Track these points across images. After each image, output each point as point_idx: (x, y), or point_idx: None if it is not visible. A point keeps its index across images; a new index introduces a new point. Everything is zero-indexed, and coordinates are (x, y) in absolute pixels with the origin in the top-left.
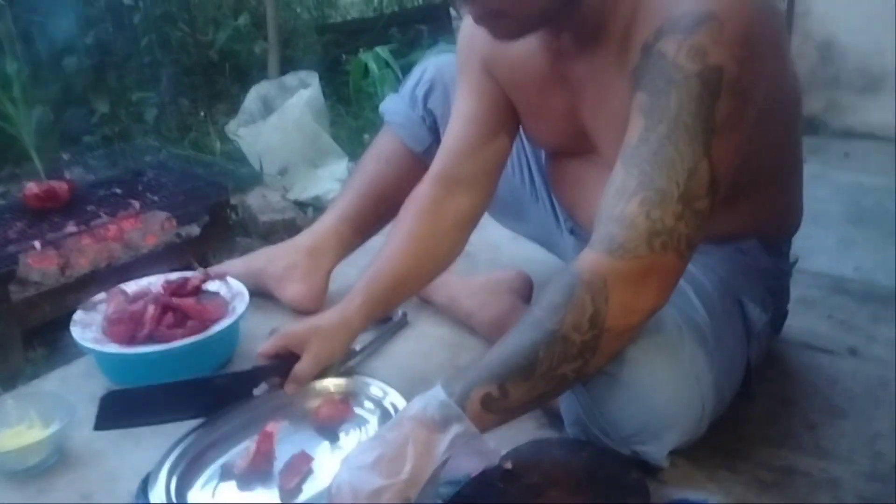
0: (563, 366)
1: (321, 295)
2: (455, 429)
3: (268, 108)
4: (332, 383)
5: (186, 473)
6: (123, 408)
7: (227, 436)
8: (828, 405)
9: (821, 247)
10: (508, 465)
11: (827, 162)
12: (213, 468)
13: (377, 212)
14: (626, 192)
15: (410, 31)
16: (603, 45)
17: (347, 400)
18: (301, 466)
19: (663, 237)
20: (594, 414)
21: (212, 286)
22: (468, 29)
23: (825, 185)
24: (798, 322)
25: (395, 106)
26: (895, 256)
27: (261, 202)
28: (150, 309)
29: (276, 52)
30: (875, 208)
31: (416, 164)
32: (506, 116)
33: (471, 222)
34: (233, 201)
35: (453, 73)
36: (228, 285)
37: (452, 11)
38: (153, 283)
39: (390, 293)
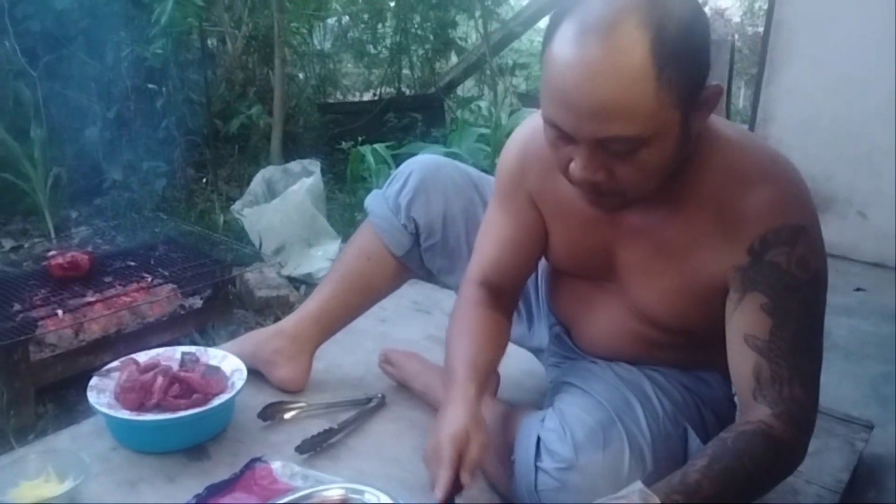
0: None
1: (305, 376)
2: None
3: (271, 191)
4: (328, 494)
5: None
6: None
7: None
8: None
9: None
10: None
11: None
12: None
13: (357, 304)
14: (784, 379)
15: (406, 117)
16: (673, 205)
17: None
18: None
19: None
20: None
21: (213, 361)
22: (518, 163)
23: None
24: None
25: (379, 208)
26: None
27: (258, 278)
28: (160, 380)
29: (279, 127)
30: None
31: (397, 263)
32: (541, 244)
33: (508, 326)
34: (233, 276)
35: (436, 180)
36: (228, 360)
37: (446, 103)
38: (161, 353)
39: (485, 378)
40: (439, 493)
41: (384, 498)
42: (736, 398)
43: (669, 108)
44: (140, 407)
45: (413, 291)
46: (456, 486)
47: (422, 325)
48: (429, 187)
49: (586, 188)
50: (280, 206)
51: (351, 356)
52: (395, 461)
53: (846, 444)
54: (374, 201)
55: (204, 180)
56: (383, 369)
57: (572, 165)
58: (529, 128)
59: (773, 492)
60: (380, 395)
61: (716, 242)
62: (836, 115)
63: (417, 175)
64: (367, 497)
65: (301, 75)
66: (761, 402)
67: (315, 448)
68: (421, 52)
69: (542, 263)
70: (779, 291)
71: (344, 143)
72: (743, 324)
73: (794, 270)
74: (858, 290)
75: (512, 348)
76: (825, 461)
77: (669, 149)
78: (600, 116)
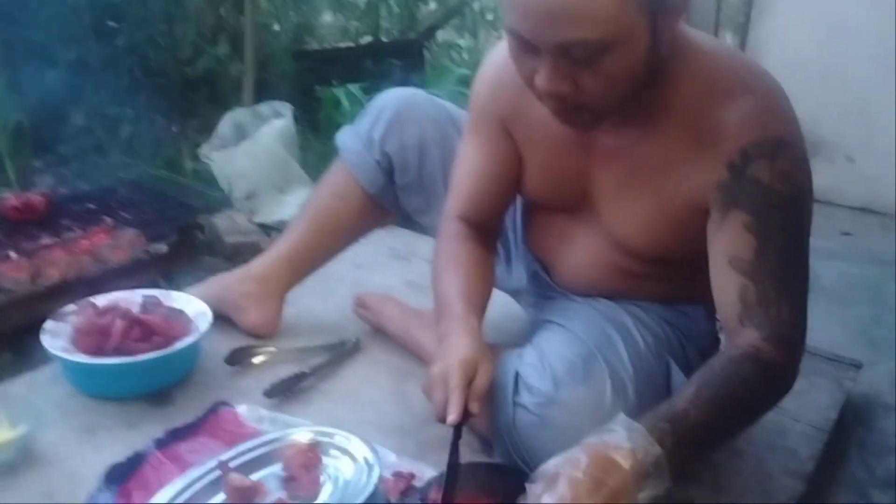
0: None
1: (276, 320)
2: (655, 488)
3: (240, 135)
4: (296, 438)
5: None
6: None
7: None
8: (731, 446)
9: None
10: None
11: None
12: None
13: (329, 245)
14: (771, 300)
15: (384, 64)
16: (648, 124)
17: (315, 449)
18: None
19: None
20: (521, 450)
21: (177, 304)
22: (488, 87)
23: None
24: None
25: (351, 143)
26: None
27: (228, 224)
28: (119, 323)
29: (251, 75)
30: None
31: (370, 203)
32: (517, 174)
33: (492, 259)
34: (200, 221)
35: (411, 113)
36: (193, 304)
37: (426, 51)
38: (122, 297)
39: (482, 310)
40: (453, 416)
41: (355, 440)
42: (721, 331)
43: (633, 9)
44: (98, 351)
45: (390, 238)
46: (465, 414)
47: (399, 271)
48: (403, 120)
49: (553, 102)
50: (250, 150)
51: (324, 302)
52: (369, 405)
53: (833, 382)
54: (346, 137)
55: (171, 127)
56: (358, 314)
57: (537, 78)
58: (501, 53)
59: (760, 430)
60: (354, 339)
61: (694, 159)
62: (823, 58)
63: (391, 108)
64: (338, 440)
65: (276, 25)
66: (748, 325)
67: (285, 392)
68: None
69: (519, 200)
70: (762, 208)
71: (318, 86)
72: (726, 245)
73: (776, 185)
74: (845, 234)
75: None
76: (812, 399)
77: (637, 57)
78: (560, 19)
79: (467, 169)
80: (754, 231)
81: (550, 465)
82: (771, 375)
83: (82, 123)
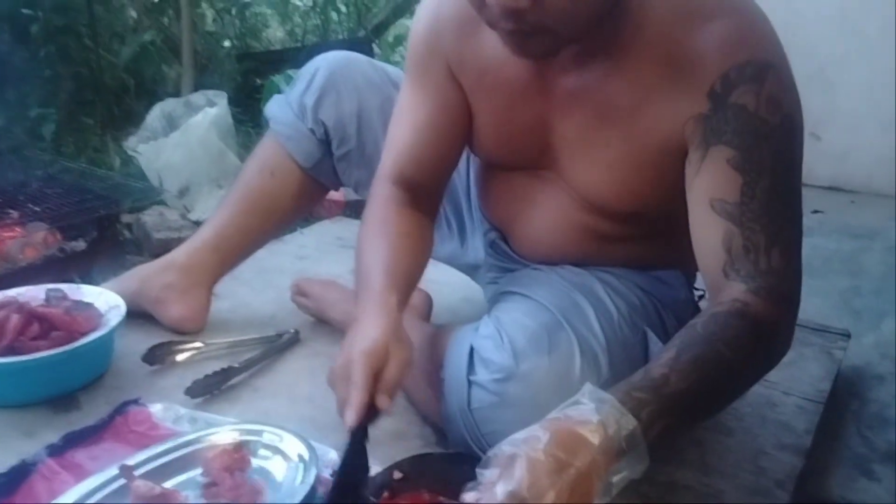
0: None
1: (203, 313)
2: (630, 468)
3: (172, 126)
4: (218, 438)
5: None
6: None
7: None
8: (715, 423)
9: None
10: (398, 475)
11: None
12: None
13: (261, 228)
14: (760, 247)
15: None
16: (613, 59)
17: (241, 450)
18: None
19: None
20: (477, 435)
21: (87, 297)
22: (430, 26)
23: None
24: None
25: (281, 113)
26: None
27: (156, 220)
28: (14, 318)
29: (190, 76)
30: None
31: (305, 178)
32: (463, 127)
33: (431, 228)
34: (128, 220)
35: (347, 76)
36: (105, 297)
37: (375, 47)
38: (24, 292)
39: (407, 288)
40: (350, 416)
41: (287, 437)
42: (701, 300)
43: None
44: None
45: (337, 227)
46: (371, 411)
47: (347, 260)
48: (338, 84)
49: (510, 23)
50: (181, 141)
51: (261, 295)
52: (307, 400)
53: (823, 353)
54: (276, 106)
55: (94, 121)
56: (297, 302)
57: None
58: None
59: (748, 405)
60: (293, 331)
61: (668, 93)
62: (783, 27)
63: (325, 71)
64: (267, 437)
65: (214, 27)
66: (734, 278)
67: (210, 390)
68: None
69: (472, 163)
70: (748, 140)
71: (259, 80)
72: (707, 186)
73: (763, 113)
74: (816, 212)
75: (445, 272)
76: (802, 371)
77: None
78: None
79: (405, 121)
80: (739, 167)
81: (506, 446)
82: (762, 333)
83: (1, 124)
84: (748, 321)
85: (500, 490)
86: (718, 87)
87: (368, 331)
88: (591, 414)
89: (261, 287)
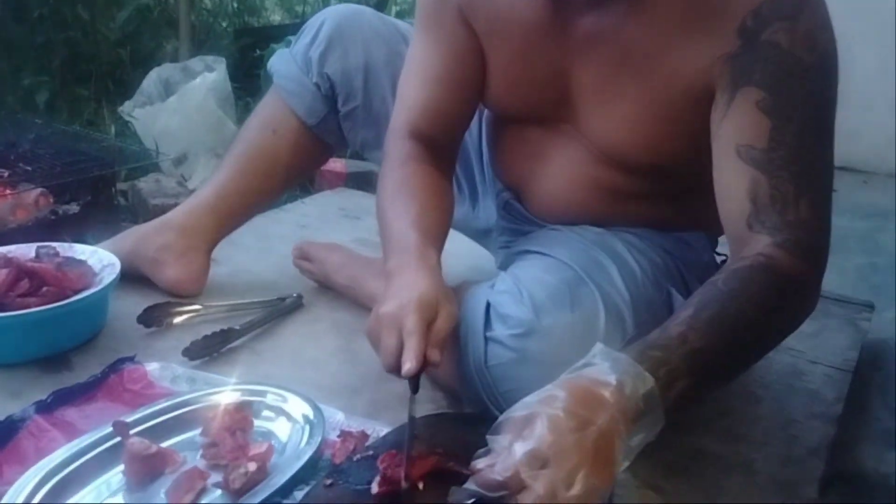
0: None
1: (202, 276)
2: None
3: (168, 92)
4: (219, 398)
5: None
6: None
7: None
8: (743, 391)
9: None
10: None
11: None
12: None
13: (263, 187)
14: (787, 197)
15: None
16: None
17: (242, 410)
18: (194, 483)
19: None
20: (495, 395)
21: (80, 255)
22: None
23: None
24: None
25: (286, 67)
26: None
27: (153, 186)
28: (2, 273)
29: (187, 49)
30: None
31: (309, 136)
32: (478, 77)
33: (451, 184)
34: (123, 186)
35: (354, 29)
36: (99, 255)
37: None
38: (13, 250)
39: (440, 244)
40: (411, 363)
41: (292, 398)
42: (724, 259)
43: None
44: None
45: (339, 198)
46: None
47: (349, 229)
48: (345, 36)
49: None
50: (178, 106)
51: (263, 261)
52: (312, 364)
53: (848, 323)
54: (279, 60)
55: (89, 91)
56: (299, 266)
57: None
58: None
59: (773, 373)
60: (295, 294)
61: (694, 32)
62: None
63: (331, 23)
64: (271, 398)
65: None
66: (759, 230)
67: (210, 353)
68: None
69: (484, 119)
70: (779, 80)
71: (259, 51)
72: (734, 131)
73: (798, 51)
74: None
75: (451, 240)
76: (827, 341)
77: None
78: None
79: (417, 74)
80: (769, 110)
81: (519, 408)
82: (787, 289)
83: None
84: (773, 276)
85: (519, 450)
86: (750, 22)
87: (416, 283)
88: (608, 373)
89: (262, 254)
